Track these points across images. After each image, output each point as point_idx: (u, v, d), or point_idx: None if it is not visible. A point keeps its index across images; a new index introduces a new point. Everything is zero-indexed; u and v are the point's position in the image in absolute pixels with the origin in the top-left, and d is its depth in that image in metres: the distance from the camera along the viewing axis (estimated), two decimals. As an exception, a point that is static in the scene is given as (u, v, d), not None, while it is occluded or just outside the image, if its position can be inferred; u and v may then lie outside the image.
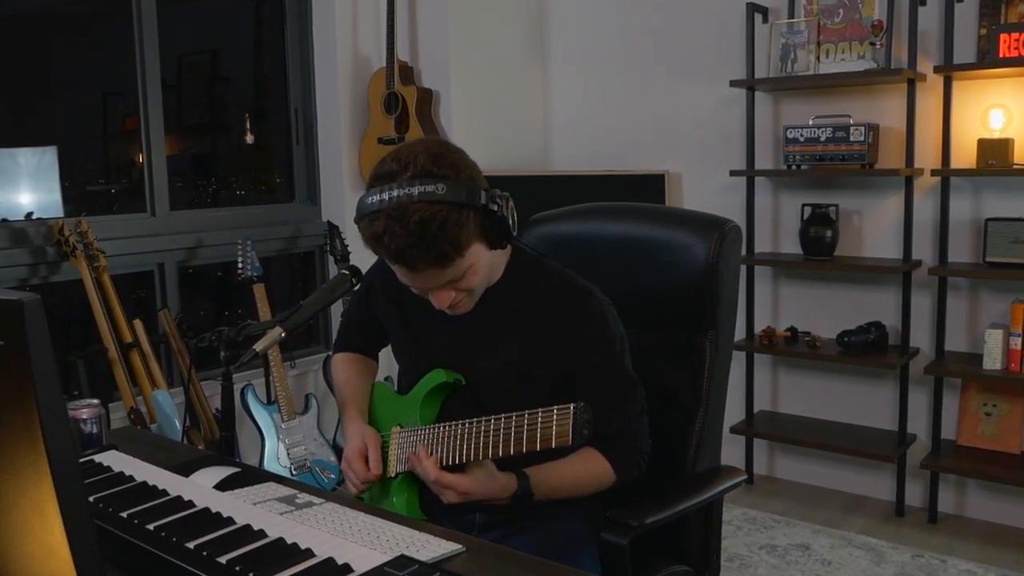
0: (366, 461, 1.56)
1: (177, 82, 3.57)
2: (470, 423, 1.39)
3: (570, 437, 1.25)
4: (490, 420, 1.35)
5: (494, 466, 1.41)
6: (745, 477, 1.71)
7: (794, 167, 3.32)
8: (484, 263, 1.45)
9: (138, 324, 2.96)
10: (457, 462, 1.41)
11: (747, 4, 3.43)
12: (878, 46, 3.18)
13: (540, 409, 1.29)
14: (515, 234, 1.45)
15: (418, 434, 1.52)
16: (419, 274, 1.39)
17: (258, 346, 1.58)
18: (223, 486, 1.40)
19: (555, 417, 1.27)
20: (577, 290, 1.52)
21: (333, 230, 3.48)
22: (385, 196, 1.33)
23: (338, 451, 3.22)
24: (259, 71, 4.00)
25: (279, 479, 1.45)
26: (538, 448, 1.28)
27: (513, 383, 1.50)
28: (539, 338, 1.49)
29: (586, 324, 1.48)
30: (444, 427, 1.46)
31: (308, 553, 1.11)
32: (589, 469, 1.48)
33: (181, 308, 3.28)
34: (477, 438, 1.37)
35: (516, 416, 1.31)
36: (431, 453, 1.46)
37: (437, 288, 1.43)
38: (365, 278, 1.72)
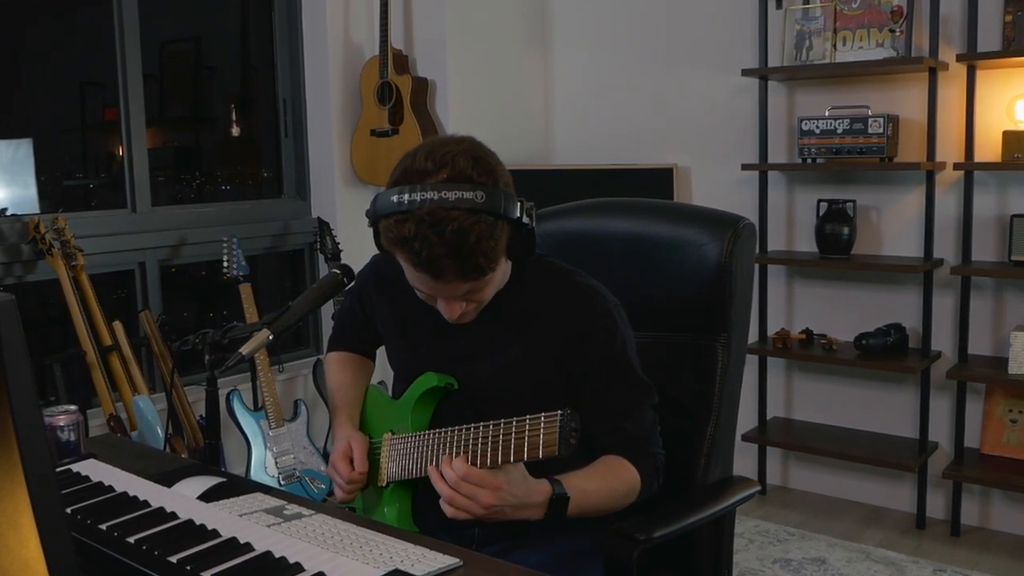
0: (352, 463, 1.56)
1: (159, 71, 3.57)
2: (457, 430, 1.38)
3: (556, 447, 1.22)
4: (478, 427, 1.34)
5: (525, 469, 1.34)
6: (758, 488, 1.71)
7: (809, 161, 3.31)
8: (501, 275, 1.44)
9: (118, 326, 2.96)
10: None
11: (760, -11, 3.44)
12: (898, 33, 3.18)
13: (528, 416, 1.26)
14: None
15: (408, 441, 1.52)
16: (443, 284, 1.36)
17: (244, 349, 1.58)
18: (207, 497, 1.40)
19: (542, 425, 1.24)
20: (583, 289, 1.51)
21: (323, 227, 3.47)
22: (416, 197, 1.29)
23: (328, 460, 3.22)
24: (246, 60, 4.00)
25: (266, 489, 1.44)
26: (525, 458, 1.26)
27: (513, 388, 1.50)
28: (542, 340, 1.49)
29: (593, 324, 1.48)
30: (433, 435, 1.45)
31: (297, 567, 1.11)
32: (620, 476, 1.44)
33: (163, 309, 3.28)
34: (464, 446, 1.35)
35: (504, 423, 1.29)
36: (423, 460, 1.46)
37: (451, 298, 1.41)
38: (358, 278, 1.72)
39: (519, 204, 1.36)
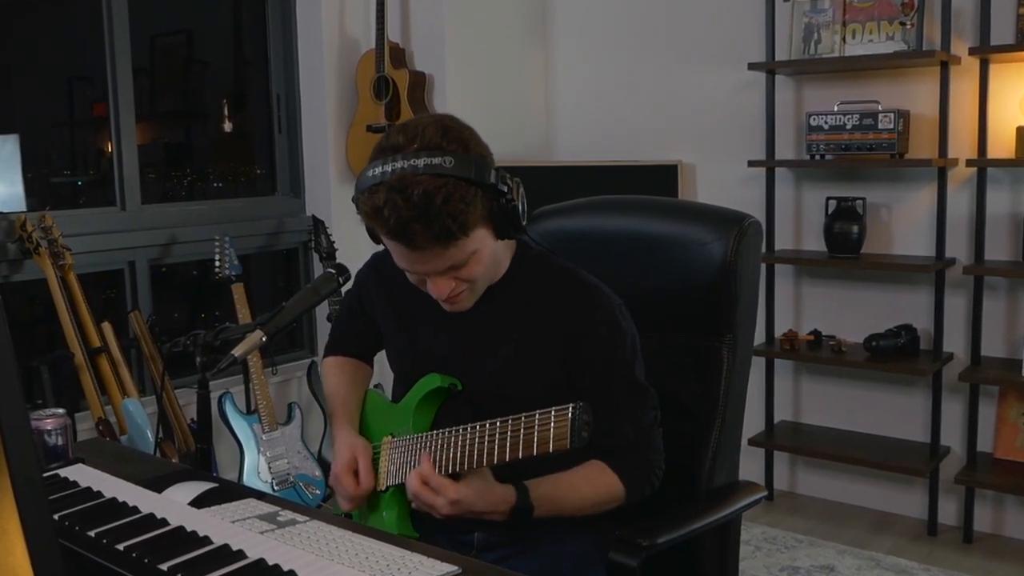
0: (356, 475, 1.56)
1: (150, 65, 3.57)
2: (463, 429, 1.39)
3: (568, 440, 1.24)
4: (484, 425, 1.35)
5: (491, 475, 1.39)
6: (765, 493, 1.71)
7: (818, 157, 3.31)
8: (488, 252, 1.45)
9: (107, 327, 2.96)
10: (452, 471, 1.40)
11: (767, -19, 3.44)
12: (909, 26, 3.18)
13: (537, 411, 1.29)
14: (524, 224, 1.45)
15: (410, 443, 1.52)
16: (419, 252, 1.39)
17: (237, 351, 1.58)
18: (199, 503, 1.40)
19: (552, 419, 1.26)
20: (586, 287, 1.52)
21: (318, 225, 3.47)
22: (388, 168, 1.35)
23: (323, 464, 3.22)
24: (238, 54, 4.00)
25: (259, 495, 1.45)
26: (535, 453, 1.28)
27: (513, 387, 1.50)
28: (543, 338, 1.49)
29: (595, 323, 1.49)
30: (437, 435, 1.45)
31: (291, 575, 1.11)
32: (594, 484, 1.46)
33: (153, 310, 3.28)
34: (471, 445, 1.36)
35: (512, 420, 1.31)
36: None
37: (436, 274, 1.43)
38: (357, 277, 1.72)
39: (493, 171, 1.39)
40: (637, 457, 1.49)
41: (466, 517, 1.38)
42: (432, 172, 1.34)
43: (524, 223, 1.46)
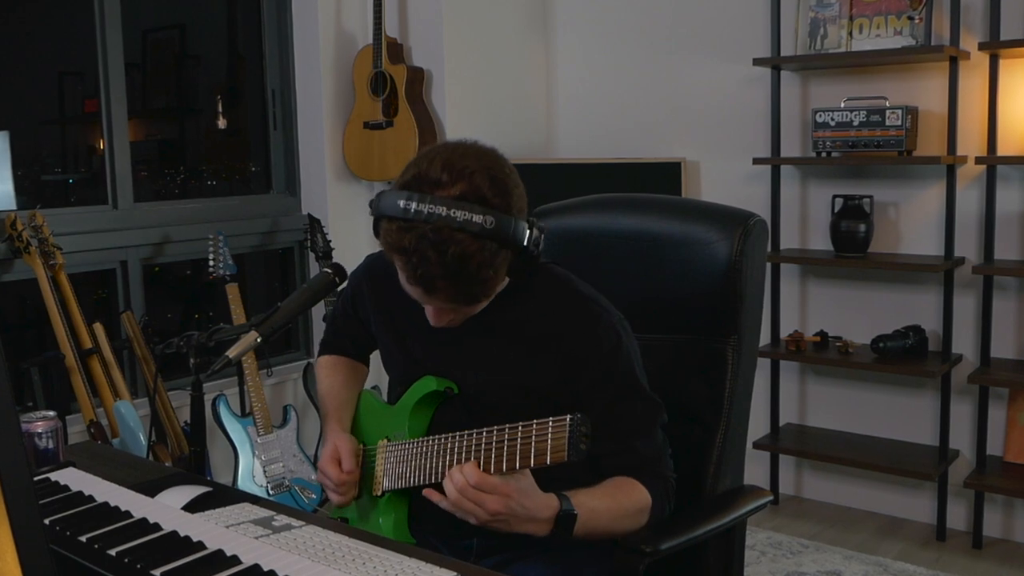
0: (340, 466, 1.56)
1: (142, 60, 3.57)
2: (460, 436, 1.39)
3: (565, 452, 1.23)
4: (481, 433, 1.34)
5: (534, 481, 1.33)
6: (770, 498, 1.71)
7: (824, 154, 3.31)
8: (495, 291, 1.48)
9: (98, 328, 2.95)
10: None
11: (772, -26, 3.44)
12: (917, 20, 3.18)
13: (535, 421, 1.27)
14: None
15: (406, 448, 1.52)
16: (433, 299, 1.40)
17: (231, 352, 1.58)
18: (192, 507, 1.40)
19: (550, 430, 1.25)
20: (586, 301, 1.51)
21: (314, 224, 3.47)
22: (424, 209, 1.30)
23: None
24: (232, 49, 4.00)
25: (254, 499, 1.45)
26: (532, 465, 1.27)
27: (511, 397, 1.50)
28: (543, 351, 1.49)
29: (596, 339, 1.47)
30: (433, 440, 1.45)
31: (287, 581, 1.11)
32: (630, 496, 1.42)
33: (146, 310, 3.28)
34: (468, 452, 1.35)
35: (509, 428, 1.30)
36: (421, 468, 1.46)
37: (440, 308, 1.45)
38: (351, 279, 1.72)
39: (528, 232, 1.38)
40: (656, 473, 1.47)
41: (505, 527, 1.32)
42: (471, 231, 1.30)
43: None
